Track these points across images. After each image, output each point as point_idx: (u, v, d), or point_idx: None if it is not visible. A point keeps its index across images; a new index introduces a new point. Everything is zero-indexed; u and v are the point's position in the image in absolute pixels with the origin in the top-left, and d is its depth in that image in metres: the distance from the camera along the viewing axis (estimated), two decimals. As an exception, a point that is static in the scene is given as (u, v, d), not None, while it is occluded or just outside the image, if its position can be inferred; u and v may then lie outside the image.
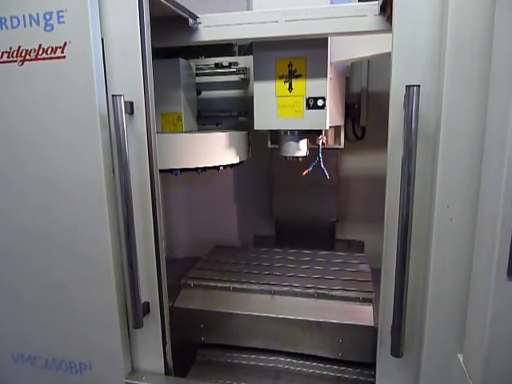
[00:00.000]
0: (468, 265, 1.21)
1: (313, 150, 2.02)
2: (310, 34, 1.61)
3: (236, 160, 1.97)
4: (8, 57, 1.40)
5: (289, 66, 1.81)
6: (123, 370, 1.59)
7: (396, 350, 1.31)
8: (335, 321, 1.70)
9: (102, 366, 1.62)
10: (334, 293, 1.80)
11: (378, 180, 1.58)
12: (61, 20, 1.33)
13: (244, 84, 2.24)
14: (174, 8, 1.53)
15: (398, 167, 1.20)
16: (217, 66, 2.19)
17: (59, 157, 1.44)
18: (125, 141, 1.33)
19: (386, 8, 1.43)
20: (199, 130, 2.17)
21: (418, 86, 1.12)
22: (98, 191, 1.43)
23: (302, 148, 2.00)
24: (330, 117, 1.91)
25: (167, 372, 1.64)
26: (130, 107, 1.38)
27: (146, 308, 1.54)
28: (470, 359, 1.21)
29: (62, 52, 1.35)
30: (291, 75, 1.82)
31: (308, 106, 1.82)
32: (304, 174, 2.01)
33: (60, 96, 1.39)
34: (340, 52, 1.90)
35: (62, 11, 1.33)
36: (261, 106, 1.88)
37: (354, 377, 1.76)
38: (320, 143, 1.96)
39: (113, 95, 1.31)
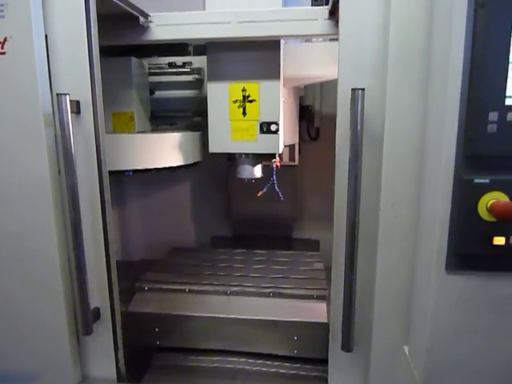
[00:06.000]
0: (412, 261, 1.27)
1: (268, 168, 2.06)
2: (261, 36, 1.63)
3: (190, 161, 1.96)
4: None
5: (243, 90, 1.83)
6: (73, 379, 1.54)
7: (346, 345, 1.34)
8: (290, 319, 1.73)
9: (50, 376, 1.55)
10: (289, 291, 1.83)
11: (332, 179, 1.62)
12: (0, 14, 1.27)
13: (198, 84, 2.23)
14: (124, 6, 1.50)
15: (345, 167, 1.23)
16: (170, 65, 2.16)
17: (1, 158, 1.36)
18: (70, 141, 1.28)
19: (335, 13, 1.47)
20: (153, 131, 2.14)
21: (363, 89, 1.16)
22: (43, 193, 1.37)
23: (256, 171, 2.05)
24: (285, 137, 1.97)
25: (120, 378, 1.59)
26: (77, 106, 1.34)
27: (97, 313, 1.49)
28: (414, 351, 1.27)
29: (2, 48, 1.28)
30: (245, 100, 1.84)
31: (262, 131, 1.86)
32: (259, 195, 2.11)
33: (0, 94, 1.32)
34: (294, 75, 1.96)
35: (3, 5, 1.26)
36: (215, 129, 1.89)
37: (310, 373, 1.80)
38: (274, 166, 2.01)
39: (57, 94, 1.26)
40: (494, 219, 1.00)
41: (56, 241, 1.41)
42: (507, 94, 0.95)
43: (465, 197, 1.01)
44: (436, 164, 1.07)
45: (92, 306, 1.44)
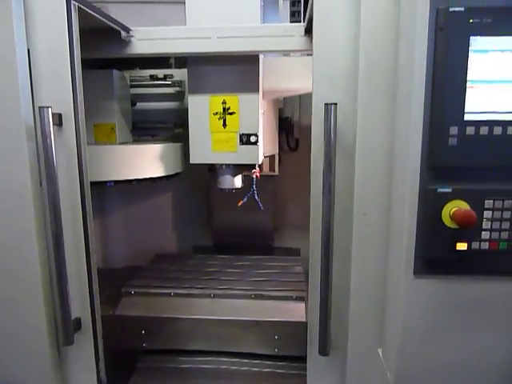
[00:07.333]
0: (384, 267, 1.33)
1: (249, 178, 2.12)
2: (241, 51, 1.69)
3: (170, 172, 2.00)
4: None
5: (223, 103, 1.89)
6: (54, 390, 1.53)
7: (323, 350, 1.38)
8: (271, 319, 1.80)
9: (31, 387, 1.55)
10: (269, 293, 1.90)
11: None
12: (-17, 29, 1.29)
13: (179, 96, 2.27)
14: (106, 21, 1.53)
15: (320, 178, 1.29)
16: (152, 78, 2.20)
17: (-19, 170, 1.37)
18: (52, 153, 1.30)
19: (311, 30, 1.54)
20: (134, 142, 2.17)
21: (335, 104, 1.22)
22: (24, 205, 1.38)
23: (236, 181, 2.10)
24: (264, 148, 2.04)
25: (101, 388, 1.60)
26: (59, 119, 1.36)
27: (78, 324, 1.50)
28: (387, 353, 1.32)
29: (-16, 61, 1.30)
30: (225, 112, 1.90)
31: (242, 142, 1.92)
32: (239, 204, 2.17)
33: (-19, 107, 1.33)
34: (273, 88, 2.02)
35: (-16, 20, 1.29)
36: (196, 140, 1.94)
37: (290, 371, 1.87)
38: (254, 176, 2.07)
39: (40, 107, 1.29)
40: (456, 226, 1.07)
41: (37, 251, 1.41)
42: (466, 110, 1.03)
43: (429, 205, 1.08)
44: (403, 175, 1.14)
45: (73, 317, 1.45)
